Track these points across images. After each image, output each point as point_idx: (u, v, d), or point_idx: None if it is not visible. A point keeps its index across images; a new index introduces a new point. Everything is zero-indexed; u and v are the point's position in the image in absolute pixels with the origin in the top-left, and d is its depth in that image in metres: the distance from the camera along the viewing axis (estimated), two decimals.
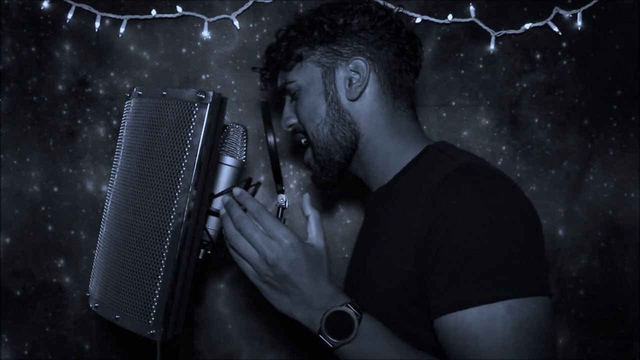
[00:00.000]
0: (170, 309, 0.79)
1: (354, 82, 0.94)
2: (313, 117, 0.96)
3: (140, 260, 0.81)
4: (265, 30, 1.36)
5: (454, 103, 1.39)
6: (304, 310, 0.81)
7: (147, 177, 0.82)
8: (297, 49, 0.97)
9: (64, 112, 1.37)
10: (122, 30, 1.34)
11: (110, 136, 1.37)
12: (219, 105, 0.80)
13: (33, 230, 1.38)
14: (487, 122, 1.40)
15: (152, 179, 0.81)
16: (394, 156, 0.95)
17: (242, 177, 0.90)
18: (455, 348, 0.75)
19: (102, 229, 0.93)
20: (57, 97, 1.36)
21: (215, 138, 0.80)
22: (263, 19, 1.36)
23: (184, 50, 1.36)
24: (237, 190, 0.85)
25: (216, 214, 0.87)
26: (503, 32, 1.38)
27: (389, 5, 1.33)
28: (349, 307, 0.79)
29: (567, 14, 1.39)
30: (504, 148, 1.41)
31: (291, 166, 1.38)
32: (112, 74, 1.36)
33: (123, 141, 0.91)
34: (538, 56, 1.40)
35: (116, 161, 0.92)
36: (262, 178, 1.38)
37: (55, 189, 1.38)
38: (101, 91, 1.36)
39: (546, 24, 1.38)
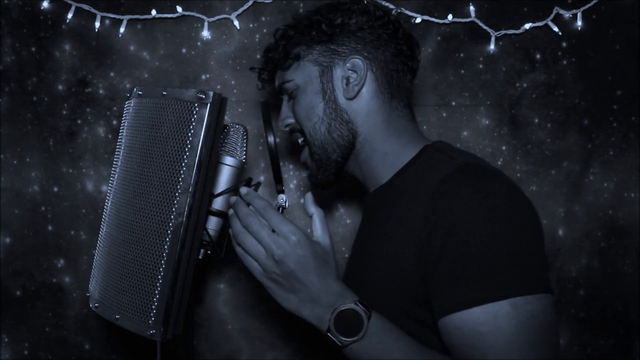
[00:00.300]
0: (170, 309, 0.79)
1: (352, 81, 0.94)
2: (310, 116, 0.96)
3: (140, 260, 0.81)
4: (265, 30, 1.36)
5: (454, 103, 1.39)
6: (312, 308, 0.80)
7: (147, 177, 0.82)
8: (294, 48, 0.98)
9: (64, 112, 1.37)
10: (122, 30, 1.34)
11: (110, 136, 1.37)
12: (219, 105, 0.80)
13: (33, 230, 1.38)
14: (487, 122, 1.40)
15: (152, 179, 0.81)
16: (392, 156, 0.95)
17: (242, 177, 0.90)
18: (461, 347, 0.75)
19: (102, 229, 0.93)
20: (57, 97, 1.36)
21: (215, 138, 0.80)
22: (263, 19, 1.36)
23: (184, 50, 1.36)
24: (244, 190, 0.85)
25: (216, 214, 0.87)
26: (503, 32, 1.38)
27: (388, 5, 1.34)
28: (357, 305, 0.79)
29: (567, 14, 1.39)
30: (504, 148, 1.41)
31: (291, 166, 1.38)
32: (112, 74, 1.36)
33: (123, 141, 0.91)
34: (538, 56, 1.40)
35: (116, 161, 0.92)
36: (262, 178, 1.38)
37: (55, 189, 1.38)
38: (101, 91, 1.36)
39: (546, 24, 1.38)
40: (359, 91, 0.94)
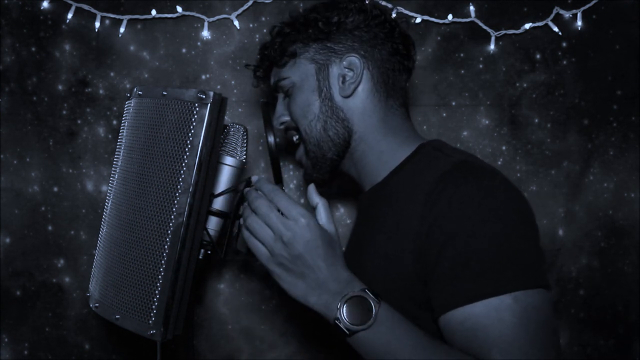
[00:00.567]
0: (170, 309, 0.79)
1: (348, 79, 0.95)
2: (306, 114, 0.96)
3: (140, 260, 0.81)
4: (265, 30, 1.35)
5: (454, 103, 1.39)
6: (319, 295, 0.79)
7: (147, 177, 0.82)
8: (291, 45, 0.98)
9: (64, 112, 1.37)
10: (122, 30, 1.34)
11: (110, 136, 1.37)
12: (219, 105, 0.80)
13: (33, 230, 1.38)
14: (487, 122, 1.40)
15: (153, 179, 0.81)
16: (387, 154, 0.95)
17: (242, 177, 0.90)
18: (464, 340, 0.75)
19: (102, 229, 0.93)
20: (57, 97, 1.36)
21: (216, 138, 0.80)
22: (263, 19, 1.36)
23: (184, 50, 1.36)
24: (254, 177, 0.85)
25: (216, 214, 0.87)
26: (503, 32, 1.38)
27: (386, 5, 1.34)
28: (366, 293, 0.78)
29: (567, 14, 1.39)
30: (504, 148, 1.41)
31: (291, 166, 1.38)
32: (112, 74, 1.36)
33: (123, 141, 0.91)
34: (538, 56, 1.40)
35: (116, 161, 0.92)
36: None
37: (55, 189, 1.38)
38: (101, 91, 1.36)
39: (546, 24, 1.38)
40: (355, 89, 0.95)
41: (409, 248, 0.82)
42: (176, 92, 0.82)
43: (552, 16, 1.38)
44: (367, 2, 0.99)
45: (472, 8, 1.37)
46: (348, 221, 1.39)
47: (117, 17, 1.34)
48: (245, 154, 0.90)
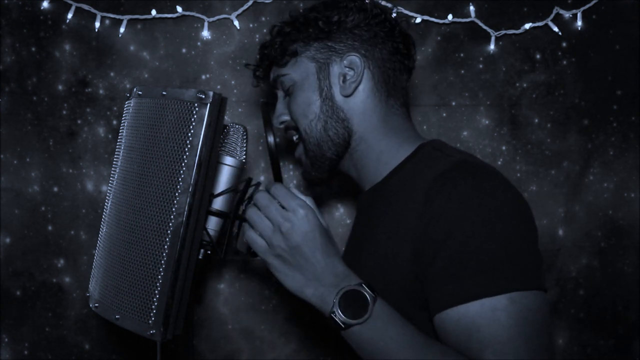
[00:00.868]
0: (170, 309, 0.79)
1: (348, 78, 0.94)
2: (306, 113, 0.96)
3: (140, 260, 0.81)
4: (265, 30, 1.35)
5: (454, 103, 1.39)
6: (316, 287, 0.80)
7: (147, 177, 0.82)
8: (291, 44, 0.98)
9: (64, 112, 1.37)
10: (122, 30, 1.34)
11: (110, 136, 1.37)
12: (219, 105, 0.80)
13: (33, 230, 1.38)
14: (487, 122, 1.40)
15: (152, 178, 0.81)
16: (387, 154, 0.95)
17: (242, 177, 0.90)
18: (459, 340, 0.75)
19: (102, 229, 0.93)
20: (57, 97, 1.36)
21: (215, 138, 0.80)
22: (263, 19, 1.36)
23: (184, 50, 1.36)
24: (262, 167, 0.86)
25: (216, 214, 0.87)
26: (503, 32, 1.38)
27: (386, 4, 1.34)
28: (363, 287, 0.78)
29: (567, 14, 1.39)
30: (504, 148, 1.41)
31: (291, 166, 1.38)
32: (112, 74, 1.36)
33: (123, 141, 0.91)
34: (538, 56, 1.40)
35: (116, 161, 0.92)
36: (262, 178, 1.38)
37: (55, 189, 1.38)
38: (101, 91, 1.36)
39: (546, 24, 1.38)
40: (355, 88, 0.94)
41: (407, 247, 0.82)
42: (176, 92, 0.82)
43: (552, 16, 1.38)
44: (367, 1, 0.99)
45: (472, 8, 1.37)
46: (348, 221, 1.39)
47: (117, 17, 1.34)
48: (245, 154, 0.90)
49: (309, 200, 0.86)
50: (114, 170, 0.92)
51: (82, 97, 1.36)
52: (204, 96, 0.79)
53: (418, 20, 1.36)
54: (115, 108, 1.36)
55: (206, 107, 0.79)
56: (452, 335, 0.76)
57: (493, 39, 1.38)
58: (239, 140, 0.90)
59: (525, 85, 1.40)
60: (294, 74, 0.98)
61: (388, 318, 0.78)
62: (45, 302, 1.39)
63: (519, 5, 1.38)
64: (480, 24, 1.37)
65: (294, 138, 1.02)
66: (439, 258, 0.77)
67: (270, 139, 0.90)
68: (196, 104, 0.79)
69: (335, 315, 0.77)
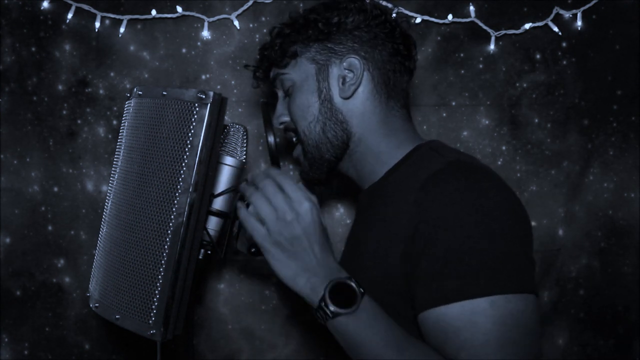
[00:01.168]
0: (170, 309, 0.79)
1: (348, 80, 0.94)
2: (305, 115, 0.96)
3: (140, 260, 0.81)
4: (265, 30, 1.35)
5: (454, 103, 1.39)
6: (308, 278, 0.80)
7: (147, 177, 0.82)
8: (291, 46, 0.98)
9: (64, 112, 1.37)
10: (122, 30, 1.34)
11: (110, 136, 1.37)
12: (219, 105, 0.80)
13: (33, 230, 1.38)
14: (487, 122, 1.40)
15: (153, 179, 0.81)
16: (386, 155, 0.95)
17: (242, 177, 0.90)
18: (437, 341, 0.76)
19: (102, 229, 0.93)
20: (57, 97, 1.36)
21: (216, 138, 0.80)
22: (263, 19, 1.36)
23: (184, 50, 1.36)
24: (263, 166, 0.85)
25: (216, 214, 0.87)
26: (503, 32, 1.38)
27: (386, 5, 1.34)
28: (352, 281, 0.79)
29: (567, 14, 1.39)
30: (504, 148, 1.41)
31: (291, 166, 1.38)
32: (112, 74, 1.36)
33: (123, 141, 0.91)
34: (538, 56, 1.40)
35: (116, 161, 0.92)
36: None
37: (55, 189, 1.38)
38: (101, 91, 1.36)
39: (546, 24, 1.38)
40: (354, 91, 0.94)
41: (398, 245, 0.82)
42: (176, 92, 0.82)
43: (552, 16, 1.38)
44: (367, 2, 0.99)
45: (472, 8, 1.37)
46: (348, 221, 1.39)
47: (117, 17, 1.34)
48: (245, 154, 0.90)
49: (313, 198, 0.87)
50: (114, 170, 0.92)
51: (82, 97, 1.36)
52: (204, 96, 0.79)
53: (418, 20, 1.36)
54: (115, 108, 1.36)
55: (206, 107, 0.79)
56: (432, 336, 0.77)
57: (493, 39, 1.38)
58: (239, 140, 0.90)
59: (525, 85, 1.40)
60: (293, 75, 0.98)
61: (374, 313, 0.79)
62: (45, 302, 1.39)
63: (519, 5, 1.38)
64: (480, 24, 1.37)
65: (293, 139, 1.02)
66: (425, 257, 0.77)
67: (271, 139, 0.90)
68: (196, 104, 0.79)
69: (324, 304, 0.78)
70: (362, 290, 0.78)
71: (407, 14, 1.35)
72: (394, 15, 1.33)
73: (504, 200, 0.81)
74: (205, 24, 1.35)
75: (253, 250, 0.87)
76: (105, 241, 0.91)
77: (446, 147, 0.94)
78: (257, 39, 1.36)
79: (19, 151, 1.38)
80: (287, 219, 0.80)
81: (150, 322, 0.79)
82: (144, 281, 0.80)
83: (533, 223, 1.39)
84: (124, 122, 0.92)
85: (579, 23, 1.39)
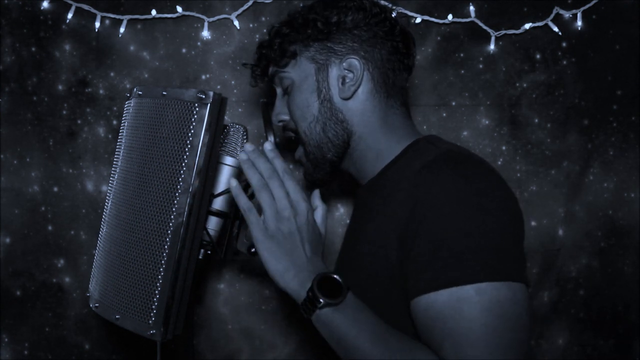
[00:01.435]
0: (170, 309, 0.79)
1: (348, 81, 0.94)
2: (305, 115, 0.96)
3: (140, 260, 0.81)
4: (265, 30, 1.35)
5: (454, 103, 1.39)
6: (297, 274, 0.81)
7: (147, 177, 0.82)
8: (290, 45, 0.97)
9: (64, 112, 1.37)
10: (122, 30, 1.34)
11: (110, 136, 1.37)
12: (219, 105, 0.80)
13: (33, 230, 1.38)
14: (487, 122, 1.40)
15: (152, 179, 0.82)
16: (386, 151, 0.96)
17: (242, 177, 0.90)
18: (424, 329, 0.76)
19: (102, 229, 0.93)
20: (57, 97, 1.36)
21: (216, 138, 0.80)
22: (263, 19, 1.36)
23: (184, 50, 1.36)
24: (268, 145, 0.86)
25: (216, 214, 0.87)
26: (503, 32, 1.38)
27: (386, 4, 1.33)
28: (338, 277, 0.80)
29: (567, 14, 1.39)
30: (504, 148, 1.41)
31: (291, 166, 1.38)
32: (112, 74, 1.36)
33: (123, 141, 0.91)
34: (538, 56, 1.40)
35: (116, 161, 0.92)
36: None
37: (55, 189, 1.38)
38: (101, 91, 1.36)
39: (546, 24, 1.38)
40: (354, 91, 0.95)
41: (393, 236, 0.83)
42: (176, 92, 0.82)
43: (552, 16, 1.38)
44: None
45: (472, 8, 1.37)
46: (348, 221, 1.39)
47: (117, 17, 1.34)
48: None
49: (322, 207, 0.92)
50: (114, 170, 0.92)
51: (82, 97, 1.36)
52: (204, 96, 0.79)
53: (418, 20, 1.36)
54: (115, 108, 1.36)
55: (206, 107, 0.79)
56: (421, 324, 0.77)
57: (493, 39, 1.38)
58: (239, 140, 0.90)
59: (525, 85, 1.40)
60: (292, 74, 0.97)
61: (359, 308, 0.80)
62: (45, 302, 1.39)
63: (519, 5, 1.38)
64: (480, 24, 1.37)
65: (292, 137, 1.02)
66: (416, 245, 0.78)
67: (271, 138, 0.90)
68: (196, 104, 0.79)
69: (312, 295, 0.78)
70: (347, 287, 0.80)
71: (407, 14, 1.35)
72: (393, 14, 1.33)
73: (495, 191, 0.81)
74: (205, 24, 1.35)
75: (253, 250, 0.87)
76: (105, 241, 0.91)
77: (442, 140, 0.95)
78: (257, 39, 1.36)
79: (19, 151, 1.38)
80: (285, 214, 0.82)
81: (150, 322, 0.79)
82: (144, 281, 0.80)
83: (533, 223, 1.40)
84: (124, 122, 0.92)
85: (579, 23, 1.39)
